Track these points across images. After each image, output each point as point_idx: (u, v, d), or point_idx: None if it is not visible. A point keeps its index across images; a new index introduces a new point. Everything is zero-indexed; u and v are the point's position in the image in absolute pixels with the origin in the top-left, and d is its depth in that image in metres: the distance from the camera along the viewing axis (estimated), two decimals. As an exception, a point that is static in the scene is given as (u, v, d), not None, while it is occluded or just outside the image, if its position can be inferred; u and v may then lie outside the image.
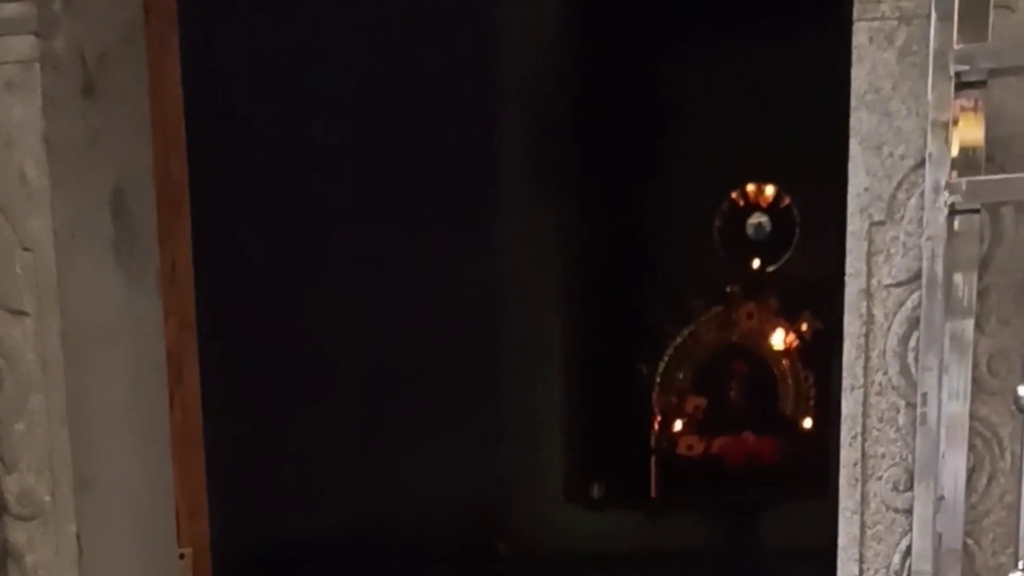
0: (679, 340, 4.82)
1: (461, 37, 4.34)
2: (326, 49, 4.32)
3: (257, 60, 4.29)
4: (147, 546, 2.65)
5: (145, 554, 2.64)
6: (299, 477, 4.46)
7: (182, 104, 2.73)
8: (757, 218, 4.64)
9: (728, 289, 4.77)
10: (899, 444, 1.82)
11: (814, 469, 4.51)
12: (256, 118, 4.30)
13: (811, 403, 4.74)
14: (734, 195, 4.69)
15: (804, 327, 4.72)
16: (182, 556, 2.81)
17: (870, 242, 1.78)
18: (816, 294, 4.56)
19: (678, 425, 4.88)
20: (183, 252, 2.75)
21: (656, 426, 4.91)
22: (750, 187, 4.67)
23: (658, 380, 4.85)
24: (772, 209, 4.66)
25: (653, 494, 4.94)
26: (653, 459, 4.91)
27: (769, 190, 4.66)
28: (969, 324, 1.71)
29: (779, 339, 4.75)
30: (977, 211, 1.68)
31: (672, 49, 4.62)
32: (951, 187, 1.65)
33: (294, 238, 4.37)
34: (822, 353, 4.53)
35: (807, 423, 4.75)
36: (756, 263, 4.71)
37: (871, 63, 1.74)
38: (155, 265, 2.61)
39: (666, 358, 4.83)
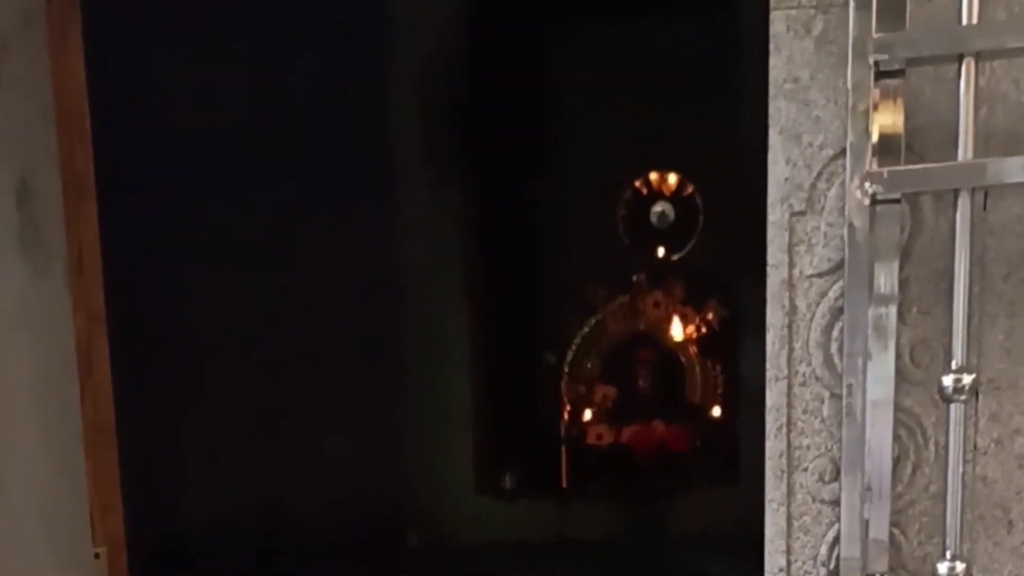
0: (586, 330, 4.82)
1: (358, 26, 4.32)
2: (230, 35, 4.28)
3: (161, 46, 4.25)
4: (60, 545, 2.64)
5: (58, 554, 2.63)
6: (215, 471, 4.43)
7: (86, 91, 2.71)
8: (661, 206, 4.66)
9: (634, 278, 4.78)
10: (824, 435, 1.83)
11: (724, 457, 4.54)
12: (161, 105, 4.26)
13: (719, 391, 4.77)
14: (637, 184, 4.71)
15: (711, 315, 4.75)
16: (97, 555, 2.79)
17: (791, 232, 1.78)
18: (722, 281, 4.58)
19: (587, 415, 4.89)
20: (90, 242, 2.74)
21: (565, 416, 4.92)
22: (653, 176, 4.69)
23: (566, 370, 4.86)
24: (675, 197, 4.68)
25: (564, 484, 4.95)
26: (563, 449, 4.92)
27: (672, 178, 4.68)
28: (892, 314, 1.72)
29: (686, 327, 4.78)
30: (898, 201, 1.69)
31: (574, 35, 4.62)
32: (872, 177, 1.65)
33: (202, 227, 4.34)
34: (730, 340, 4.55)
35: (716, 411, 4.77)
36: (661, 251, 4.73)
37: (788, 52, 1.74)
38: (62, 256, 2.59)
39: (574, 348, 4.84)
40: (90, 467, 2.74)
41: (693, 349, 4.78)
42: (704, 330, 4.76)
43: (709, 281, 4.69)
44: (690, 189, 4.66)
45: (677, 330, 4.74)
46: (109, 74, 2.95)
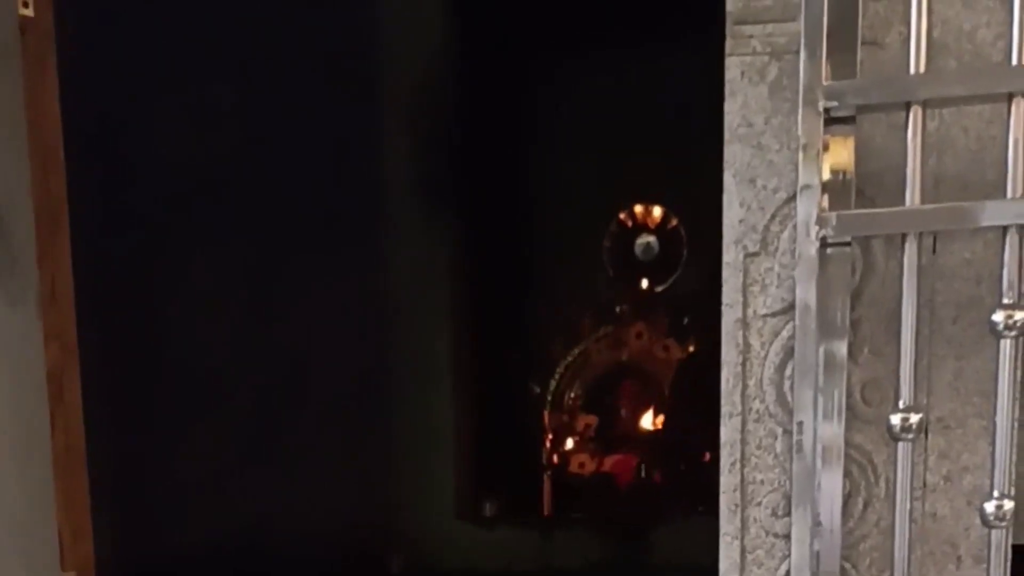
0: (569, 359, 4.85)
1: (346, 51, 4.35)
2: (206, 65, 4.31)
3: (136, 80, 4.29)
4: (30, 570, 2.65)
5: None
6: (185, 496, 4.44)
7: (60, 123, 2.74)
8: (645, 239, 4.69)
9: (617, 309, 4.81)
10: (777, 471, 1.86)
11: (705, 487, 4.55)
12: (135, 139, 4.30)
13: (700, 422, 4.79)
14: (622, 216, 4.74)
15: (692, 346, 4.77)
16: None
17: (745, 273, 1.82)
18: (704, 313, 4.60)
19: (570, 443, 4.90)
20: (63, 272, 2.77)
21: (548, 444, 4.93)
22: (638, 208, 4.72)
23: (549, 399, 4.88)
24: (660, 230, 4.71)
25: (546, 511, 4.96)
26: (545, 477, 4.93)
27: (657, 212, 4.72)
28: (842, 353, 1.75)
29: (668, 358, 4.80)
30: (848, 244, 1.72)
31: (562, 73, 4.65)
32: (822, 220, 1.69)
33: (176, 254, 4.36)
34: (711, 372, 4.57)
35: (697, 442, 4.79)
36: (645, 283, 4.76)
37: (743, 98, 1.78)
38: (34, 286, 2.62)
39: (557, 377, 4.86)
40: (60, 493, 2.76)
41: (675, 379, 4.80)
42: (686, 361, 4.79)
43: (691, 312, 4.72)
44: (674, 222, 4.70)
45: (659, 361, 4.77)
46: (84, 108, 2.99)
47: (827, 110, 1.67)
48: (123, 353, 4.19)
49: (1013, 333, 1.64)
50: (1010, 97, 1.60)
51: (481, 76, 4.61)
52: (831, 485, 1.79)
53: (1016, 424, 1.69)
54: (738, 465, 1.89)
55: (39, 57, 2.63)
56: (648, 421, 4.87)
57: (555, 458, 4.91)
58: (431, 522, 4.69)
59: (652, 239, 4.70)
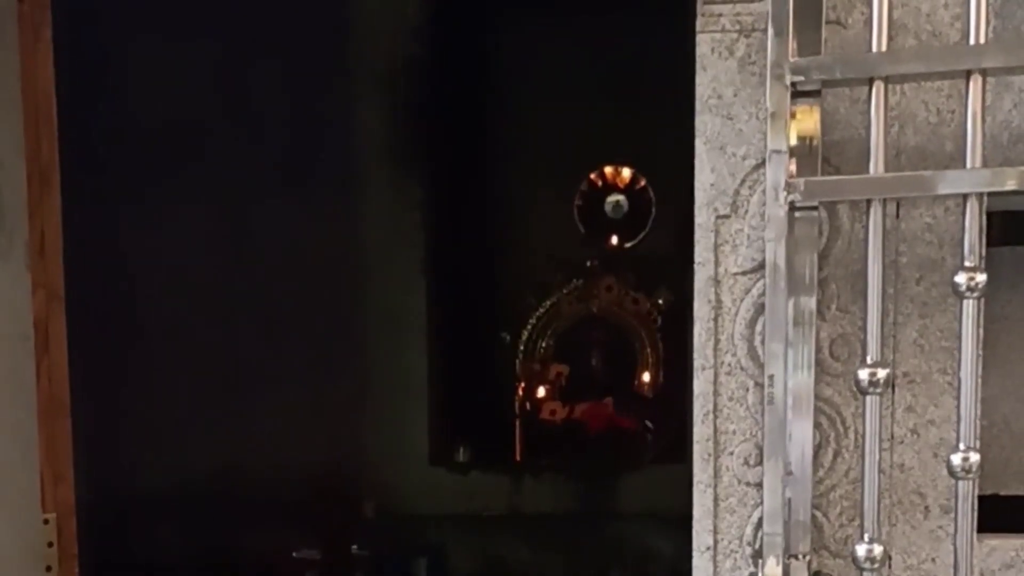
0: (541, 311, 4.90)
1: (322, 20, 4.40)
2: (194, 33, 4.35)
3: (126, 47, 4.33)
4: (10, 512, 2.70)
5: (8, 519, 2.70)
6: (165, 444, 4.47)
7: (54, 86, 2.80)
8: (615, 198, 4.76)
9: (588, 263, 4.87)
10: (749, 421, 1.92)
11: (672, 435, 4.60)
12: (125, 102, 4.34)
13: (668, 372, 4.84)
14: (593, 176, 4.81)
15: (660, 300, 4.83)
16: (46, 521, 2.86)
17: (716, 234, 1.89)
18: (671, 269, 4.66)
19: (541, 391, 4.95)
20: (53, 226, 2.82)
21: (520, 392, 4.98)
22: (608, 169, 4.79)
23: (521, 348, 4.93)
24: (629, 190, 4.78)
25: (517, 457, 5.02)
26: (517, 424, 4.98)
27: (626, 172, 4.78)
28: (811, 311, 1.82)
29: (637, 310, 4.86)
30: (815, 208, 1.80)
31: (534, 41, 4.70)
32: (790, 186, 1.76)
33: (159, 213, 4.40)
34: (677, 323, 4.62)
35: (664, 391, 4.85)
36: (614, 240, 4.82)
37: (713, 72, 1.85)
38: (24, 239, 2.67)
39: (529, 327, 4.91)
40: (43, 438, 2.81)
41: (643, 331, 4.87)
42: (654, 314, 4.85)
43: (659, 268, 4.78)
44: (643, 182, 4.77)
45: (628, 313, 4.82)
46: (76, 73, 3.04)
47: (794, 84, 1.74)
48: (107, 303, 4.24)
49: (975, 294, 1.72)
50: (968, 74, 1.68)
51: (458, 39, 4.66)
52: (802, 436, 1.86)
53: (979, 380, 1.75)
54: (711, 416, 1.95)
55: (35, 25, 2.69)
56: (617, 370, 4.93)
57: (527, 405, 4.96)
58: (405, 467, 4.73)
59: (622, 198, 4.77)
